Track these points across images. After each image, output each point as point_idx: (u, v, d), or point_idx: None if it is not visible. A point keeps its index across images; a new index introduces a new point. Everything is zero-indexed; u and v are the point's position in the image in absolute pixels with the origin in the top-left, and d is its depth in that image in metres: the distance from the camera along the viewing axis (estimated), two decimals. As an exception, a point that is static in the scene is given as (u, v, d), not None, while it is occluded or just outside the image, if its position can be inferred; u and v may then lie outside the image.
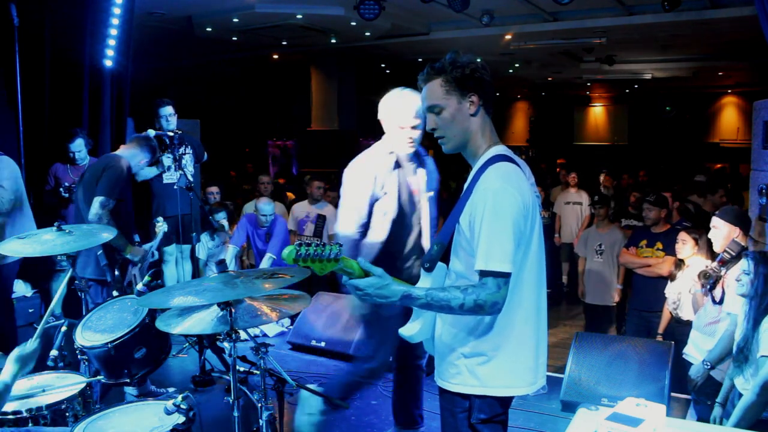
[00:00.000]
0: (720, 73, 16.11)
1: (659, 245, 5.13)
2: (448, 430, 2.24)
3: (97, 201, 4.12)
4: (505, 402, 2.18)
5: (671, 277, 4.69)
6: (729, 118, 19.31)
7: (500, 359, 2.12)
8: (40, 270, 5.29)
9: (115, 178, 4.18)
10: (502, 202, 2.01)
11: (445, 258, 2.22)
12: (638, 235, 5.45)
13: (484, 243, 2.01)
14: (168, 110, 5.62)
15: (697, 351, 3.79)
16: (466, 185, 2.16)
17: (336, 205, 7.03)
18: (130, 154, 4.41)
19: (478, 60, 2.18)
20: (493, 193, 2.02)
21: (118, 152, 4.46)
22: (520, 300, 2.11)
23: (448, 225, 2.15)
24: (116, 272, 4.03)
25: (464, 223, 2.10)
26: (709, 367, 3.53)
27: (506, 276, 2.00)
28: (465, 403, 2.16)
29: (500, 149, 2.18)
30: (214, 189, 6.92)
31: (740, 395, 3.04)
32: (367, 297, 2.01)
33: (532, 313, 2.17)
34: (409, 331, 2.23)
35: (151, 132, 5.53)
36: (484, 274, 2.01)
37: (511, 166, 2.11)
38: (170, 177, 5.72)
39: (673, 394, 3.91)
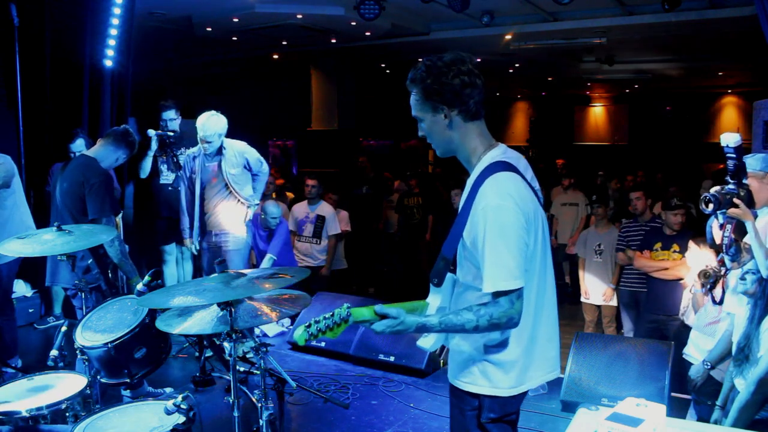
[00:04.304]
0: (720, 73, 16.09)
1: (675, 247, 4.96)
2: (456, 427, 2.24)
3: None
4: (517, 400, 2.18)
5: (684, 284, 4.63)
6: (729, 118, 19.26)
7: (511, 362, 2.12)
8: (40, 270, 5.30)
9: (101, 198, 3.87)
10: (502, 219, 1.99)
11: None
12: (652, 238, 5.20)
13: (489, 265, 2.00)
14: (170, 114, 5.64)
15: (697, 351, 3.79)
16: (464, 195, 2.13)
17: (334, 205, 7.07)
18: (105, 153, 4.06)
19: (459, 64, 2.04)
20: (492, 211, 2.00)
21: (93, 153, 4.08)
22: (528, 305, 2.09)
23: (452, 239, 2.12)
24: (110, 275, 3.95)
25: (468, 240, 2.08)
26: (709, 367, 3.53)
27: (518, 290, 2.00)
28: (474, 401, 2.16)
29: (497, 154, 2.13)
30: None
31: (740, 395, 3.04)
32: (385, 333, 2.04)
33: (541, 315, 2.17)
34: (426, 342, 2.23)
35: (151, 132, 5.55)
36: (495, 294, 2.01)
37: (508, 175, 2.06)
38: (166, 178, 5.71)
39: (673, 394, 3.91)
